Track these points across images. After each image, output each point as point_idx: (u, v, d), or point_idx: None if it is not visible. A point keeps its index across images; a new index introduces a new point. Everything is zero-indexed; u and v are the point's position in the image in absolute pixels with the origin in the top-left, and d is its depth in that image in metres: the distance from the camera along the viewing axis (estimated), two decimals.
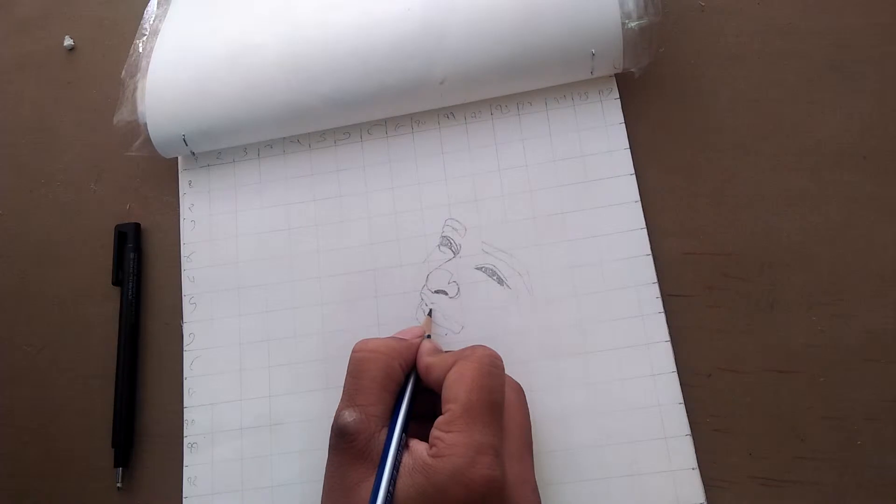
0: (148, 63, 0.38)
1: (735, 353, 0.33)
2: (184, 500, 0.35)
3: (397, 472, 0.26)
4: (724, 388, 0.33)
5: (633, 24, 0.34)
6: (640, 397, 0.33)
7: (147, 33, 0.40)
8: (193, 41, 0.38)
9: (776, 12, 0.37)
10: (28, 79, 0.45)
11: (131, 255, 0.39)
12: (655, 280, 0.34)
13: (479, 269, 0.36)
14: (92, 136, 0.43)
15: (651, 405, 0.32)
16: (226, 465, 0.35)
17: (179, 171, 0.40)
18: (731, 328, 0.33)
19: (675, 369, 0.33)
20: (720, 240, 0.34)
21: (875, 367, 0.32)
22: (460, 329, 0.35)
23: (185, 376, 0.37)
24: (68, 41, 0.45)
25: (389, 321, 0.36)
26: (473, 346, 0.29)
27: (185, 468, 0.35)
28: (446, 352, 0.30)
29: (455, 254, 0.36)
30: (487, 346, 0.29)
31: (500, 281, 0.35)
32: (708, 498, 0.31)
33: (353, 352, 0.29)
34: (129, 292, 0.38)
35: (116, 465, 0.36)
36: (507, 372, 0.29)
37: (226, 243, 0.38)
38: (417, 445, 0.27)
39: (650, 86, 0.37)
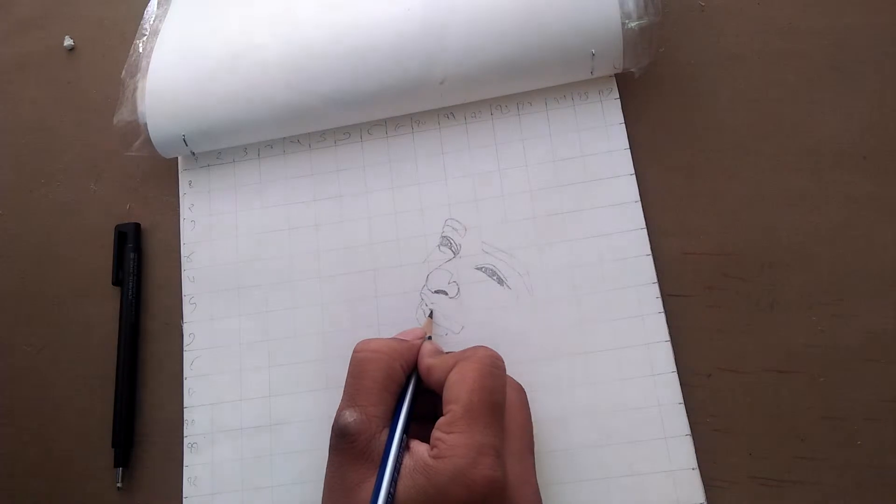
0: (148, 63, 0.38)
1: (735, 353, 0.33)
2: (184, 500, 0.35)
3: (398, 472, 0.26)
4: (724, 388, 0.33)
5: (633, 24, 0.34)
6: (640, 397, 0.33)
7: (147, 33, 0.40)
8: (193, 41, 0.38)
9: (776, 12, 0.37)
10: (28, 79, 0.45)
11: (131, 255, 0.39)
12: (655, 280, 0.34)
13: (479, 269, 0.36)
14: (92, 136, 0.43)
15: (651, 405, 0.32)
16: (226, 465, 0.35)
17: (179, 171, 0.40)
18: (731, 328, 0.33)
19: (675, 369, 0.33)
20: (720, 240, 0.34)
21: (875, 367, 0.32)
22: (460, 329, 0.35)
23: (185, 376, 0.37)
24: (68, 41, 0.45)
25: (389, 321, 0.36)
26: (474, 347, 0.29)
27: (185, 468, 0.35)
28: (447, 353, 0.30)
29: (455, 254, 0.36)
30: (488, 346, 0.29)
31: (500, 281, 0.35)
32: (708, 498, 0.31)
33: (355, 352, 0.29)
34: (129, 292, 0.38)
35: (116, 465, 0.36)
36: (507, 372, 0.29)
37: (226, 243, 0.38)
38: (418, 446, 0.27)
39: (650, 86, 0.37)
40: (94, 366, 0.38)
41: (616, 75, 0.37)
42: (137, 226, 0.40)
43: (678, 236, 0.35)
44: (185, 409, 0.36)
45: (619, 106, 0.36)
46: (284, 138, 0.39)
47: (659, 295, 0.34)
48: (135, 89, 0.38)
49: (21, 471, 0.38)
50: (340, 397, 0.28)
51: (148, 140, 0.38)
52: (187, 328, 0.37)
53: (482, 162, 0.37)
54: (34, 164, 0.43)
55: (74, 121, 0.43)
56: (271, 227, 0.38)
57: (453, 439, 0.25)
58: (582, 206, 0.35)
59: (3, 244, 0.42)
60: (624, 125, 0.36)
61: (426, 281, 0.36)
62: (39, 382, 0.39)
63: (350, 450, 0.26)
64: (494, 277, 0.35)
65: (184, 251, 0.39)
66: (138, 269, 0.39)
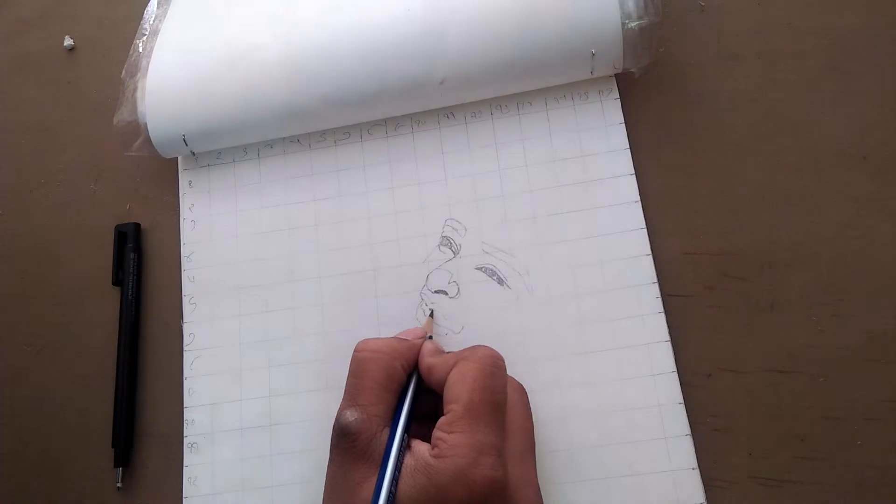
0: (148, 63, 0.38)
1: (735, 353, 0.33)
2: (184, 500, 0.35)
3: (399, 472, 0.26)
4: (724, 388, 0.33)
5: (633, 24, 0.34)
6: (640, 397, 0.33)
7: (147, 33, 0.40)
8: (193, 41, 0.38)
9: (776, 12, 0.37)
10: (28, 79, 0.45)
11: (131, 255, 0.39)
12: (655, 280, 0.34)
13: (479, 269, 0.36)
14: (92, 136, 0.43)
15: (651, 405, 0.32)
16: (226, 465, 0.35)
17: (179, 171, 0.40)
18: (731, 328, 0.33)
19: (675, 369, 0.33)
20: (720, 240, 0.34)
21: (875, 367, 0.32)
22: (460, 329, 0.35)
23: (185, 376, 0.37)
24: (68, 41, 0.45)
25: (389, 321, 0.36)
26: (475, 347, 0.29)
27: (185, 468, 0.35)
28: (448, 353, 0.30)
29: (455, 254, 0.36)
30: (489, 345, 0.29)
31: (500, 281, 0.35)
32: (708, 498, 0.31)
33: (355, 352, 0.29)
34: (129, 292, 0.38)
35: (116, 465, 0.36)
36: (507, 372, 0.29)
37: (226, 243, 0.38)
38: (419, 446, 0.27)
39: (650, 86, 0.37)
40: (94, 366, 0.38)
41: (616, 75, 0.37)
42: (137, 226, 0.40)
43: (678, 236, 0.35)
44: (185, 409, 0.36)
45: (619, 106, 0.36)
46: (284, 138, 0.39)
47: (659, 295, 0.34)
48: (135, 89, 0.38)
49: (21, 471, 0.38)
50: (341, 397, 0.28)
51: (148, 140, 0.38)
52: (187, 328, 0.37)
53: (482, 162, 0.37)
54: (34, 164, 0.43)
55: (74, 121, 0.43)
56: (271, 227, 0.38)
57: (454, 439, 0.25)
58: (582, 206, 0.35)
59: (3, 244, 0.42)
60: (624, 125, 0.36)
61: (426, 281, 0.36)
62: (39, 382, 0.39)
63: (351, 449, 0.26)
64: (494, 277, 0.35)
65: (184, 251, 0.39)
66: (138, 269, 0.39)
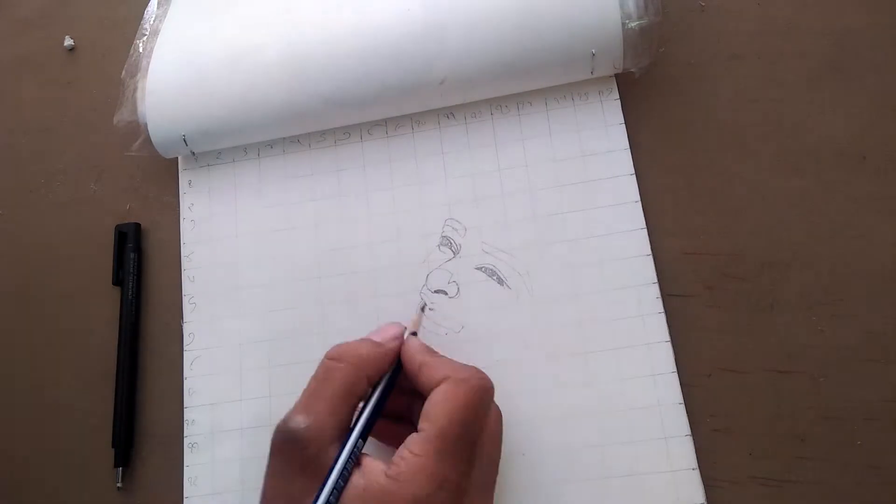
0: (148, 63, 0.38)
1: (735, 353, 0.33)
2: (184, 500, 0.35)
3: (345, 487, 0.25)
4: (724, 388, 0.33)
5: (633, 24, 0.34)
6: (640, 397, 0.33)
7: (147, 33, 0.40)
8: (193, 41, 0.38)
9: (776, 12, 0.37)
10: (28, 79, 0.45)
11: (131, 255, 0.39)
12: (655, 280, 0.34)
13: (479, 269, 0.36)
14: (92, 136, 0.43)
15: (651, 405, 0.32)
16: (226, 465, 0.35)
17: (179, 171, 0.40)
18: (731, 328, 0.33)
19: (675, 369, 0.33)
20: (720, 240, 0.34)
21: (875, 367, 0.32)
22: (460, 329, 0.35)
23: (185, 376, 0.37)
24: (68, 41, 0.45)
25: (389, 321, 0.35)
26: (470, 368, 0.28)
27: (185, 468, 0.35)
28: (442, 357, 0.29)
29: (455, 254, 0.36)
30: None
31: (500, 281, 0.35)
32: (708, 498, 0.31)
33: (325, 357, 0.28)
34: (129, 292, 0.38)
35: (116, 465, 0.36)
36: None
37: (226, 243, 0.38)
38: (372, 464, 0.25)
39: (650, 86, 0.37)
40: (94, 366, 0.38)
41: (616, 75, 0.37)
42: (137, 226, 0.40)
43: (678, 236, 0.35)
44: (185, 409, 0.36)
45: (619, 106, 0.36)
46: (284, 138, 0.39)
47: (659, 295, 0.34)
48: (135, 89, 0.38)
49: (21, 471, 0.38)
50: None
51: (148, 140, 0.38)
52: (187, 328, 0.37)
53: (482, 162, 0.37)
54: (34, 164, 0.43)
55: (74, 121, 0.43)
56: (271, 226, 0.38)
57: (418, 464, 0.24)
58: (582, 206, 0.35)
59: (3, 244, 0.42)
60: (624, 125, 0.36)
61: (426, 281, 0.36)
62: (39, 382, 0.39)
63: (297, 458, 0.25)
64: (494, 277, 0.35)
65: (184, 251, 0.39)
66: (138, 269, 0.39)
